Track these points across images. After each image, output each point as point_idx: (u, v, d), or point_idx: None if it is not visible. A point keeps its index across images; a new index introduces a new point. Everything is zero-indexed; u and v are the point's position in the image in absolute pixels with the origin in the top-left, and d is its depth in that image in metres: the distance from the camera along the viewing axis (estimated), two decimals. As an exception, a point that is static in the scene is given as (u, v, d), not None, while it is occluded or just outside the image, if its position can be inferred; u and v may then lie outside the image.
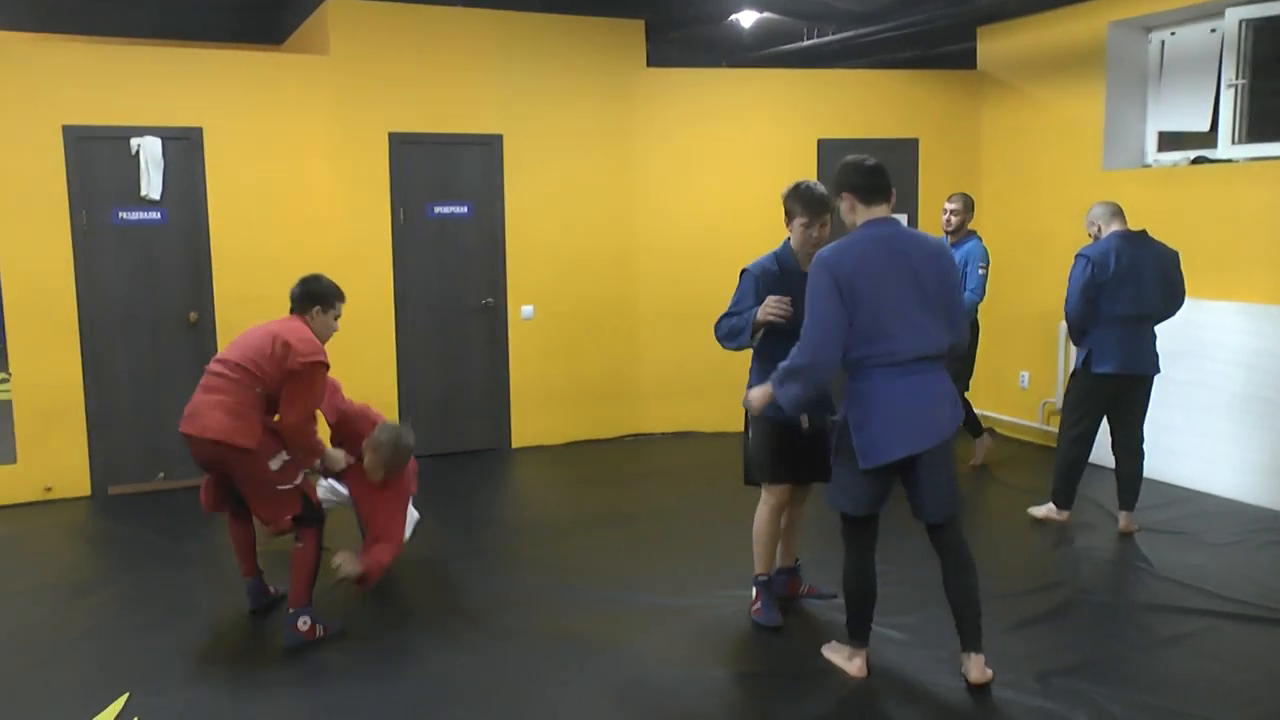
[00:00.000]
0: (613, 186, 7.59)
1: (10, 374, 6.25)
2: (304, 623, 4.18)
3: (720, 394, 7.22)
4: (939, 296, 3.51)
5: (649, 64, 7.64)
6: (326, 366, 4.26)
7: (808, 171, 7.39)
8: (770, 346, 3.99)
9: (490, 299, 7.33)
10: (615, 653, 4.07)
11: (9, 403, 6.29)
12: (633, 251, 7.69)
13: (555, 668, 3.96)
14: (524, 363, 7.45)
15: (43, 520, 6.04)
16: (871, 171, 3.56)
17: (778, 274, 4.07)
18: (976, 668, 3.67)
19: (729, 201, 7.63)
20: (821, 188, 4.03)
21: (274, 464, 4.20)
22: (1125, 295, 5.14)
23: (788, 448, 4.16)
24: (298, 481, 4.28)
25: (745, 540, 4.39)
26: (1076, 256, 5.27)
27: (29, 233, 6.15)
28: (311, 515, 4.31)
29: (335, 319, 4.43)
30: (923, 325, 3.49)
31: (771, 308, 3.90)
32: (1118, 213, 5.33)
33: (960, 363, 6.13)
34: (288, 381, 4.17)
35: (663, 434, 7.84)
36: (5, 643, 4.34)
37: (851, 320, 3.44)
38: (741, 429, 4.39)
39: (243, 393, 4.18)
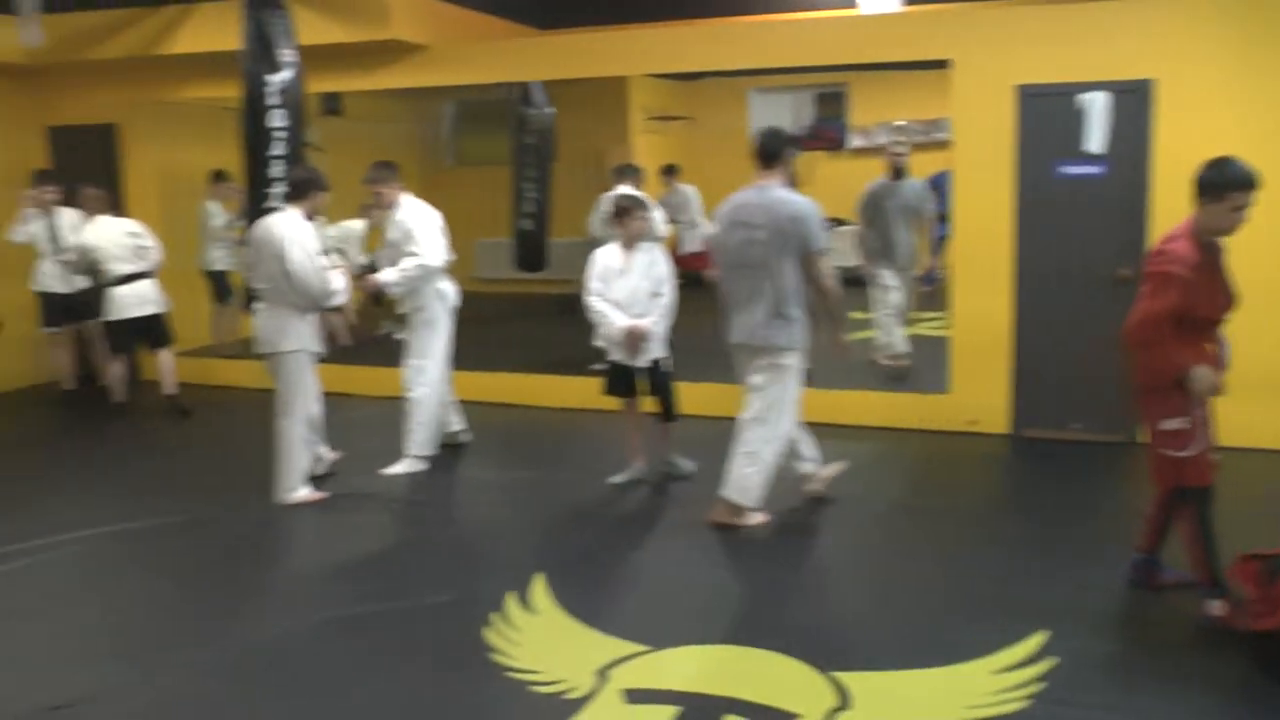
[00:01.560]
0: None
1: (951, 312, 6.88)
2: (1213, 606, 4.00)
3: None
4: None
5: None
6: (1168, 278, 3.91)
7: None
8: None
9: None
10: None
11: (945, 339, 6.98)
12: None
13: None
14: None
15: (964, 449, 6.63)
16: None
17: None
18: None
19: None
20: None
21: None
22: None
23: None
24: (1176, 425, 3.97)
25: None
26: None
27: (979, 184, 6.67)
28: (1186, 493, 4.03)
29: (1232, 210, 3.95)
30: None
31: None
32: None
33: None
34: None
35: None
36: (929, 551, 4.91)
37: None
38: None
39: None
